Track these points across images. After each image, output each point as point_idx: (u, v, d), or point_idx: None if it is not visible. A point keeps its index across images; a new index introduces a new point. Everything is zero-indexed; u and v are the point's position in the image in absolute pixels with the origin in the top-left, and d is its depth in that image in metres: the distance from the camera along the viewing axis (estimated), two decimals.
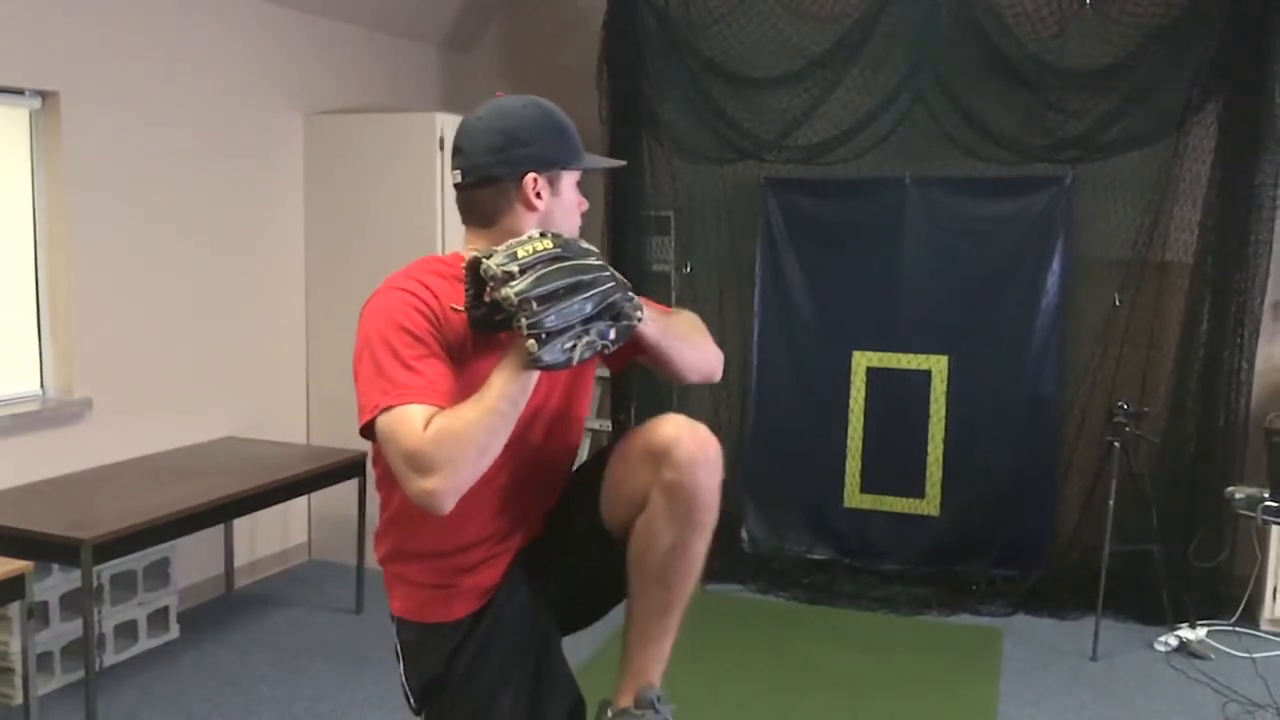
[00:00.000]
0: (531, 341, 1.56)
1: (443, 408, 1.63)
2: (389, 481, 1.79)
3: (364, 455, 4.50)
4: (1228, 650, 4.27)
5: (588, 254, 1.66)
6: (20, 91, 3.84)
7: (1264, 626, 4.48)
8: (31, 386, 4.02)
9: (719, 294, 5.39)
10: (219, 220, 4.63)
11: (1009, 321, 4.93)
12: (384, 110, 5.29)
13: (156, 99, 4.28)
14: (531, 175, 1.73)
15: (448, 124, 4.88)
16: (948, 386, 5.01)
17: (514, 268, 1.57)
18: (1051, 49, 4.73)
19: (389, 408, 1.63)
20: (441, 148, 4.82)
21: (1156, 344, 4.80)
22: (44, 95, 3.91)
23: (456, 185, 1.75)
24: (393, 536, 1.92)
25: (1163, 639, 4.34)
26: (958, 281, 4.97)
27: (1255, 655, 4.17)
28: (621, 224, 5.27)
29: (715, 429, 1.82)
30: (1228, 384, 4.52)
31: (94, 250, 4.07)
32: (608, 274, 1.65)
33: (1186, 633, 4.32)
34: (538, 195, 1.75)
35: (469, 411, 1.61)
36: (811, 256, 5.19)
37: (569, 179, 1.80)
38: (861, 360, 5.13)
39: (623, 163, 2.23)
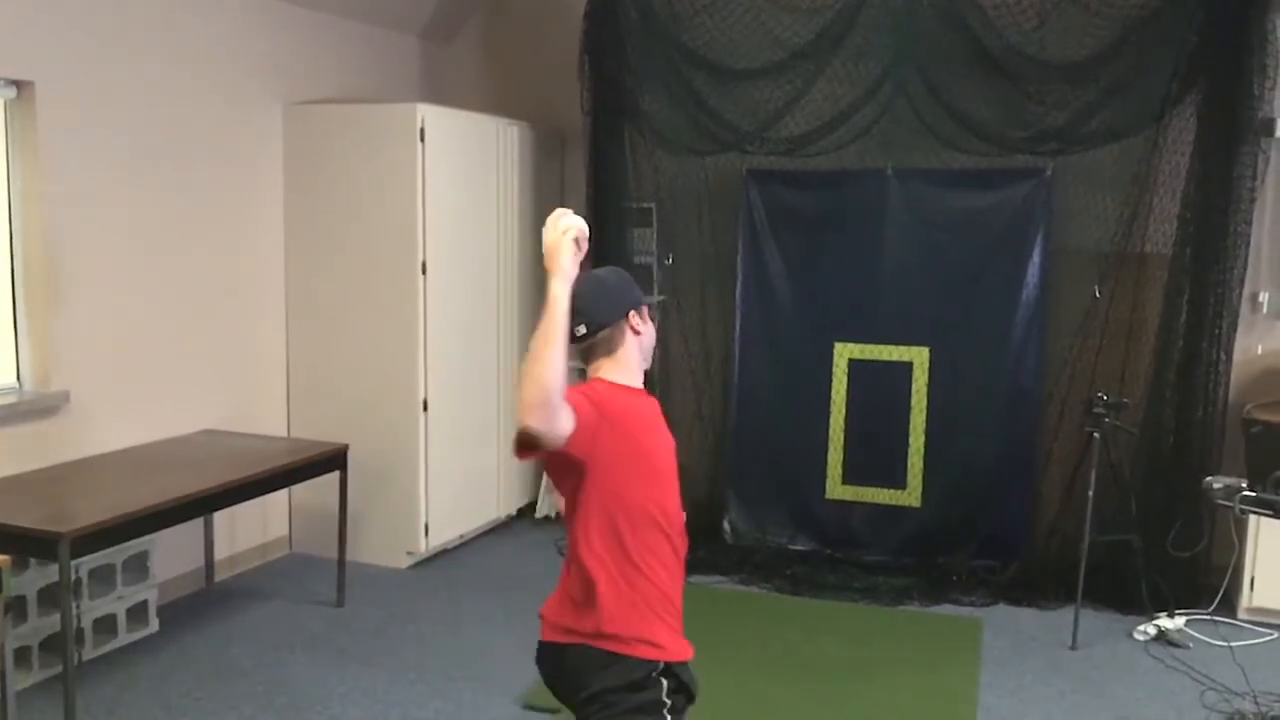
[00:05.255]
0: None
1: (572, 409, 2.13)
2: (632, 563, 2.24)
3: (345, 448, 4.49)
4: (1206, 639, 4.31)
5: None
6: None
7: (1241, 615, 4.52)
8: (8, 379, 3.99)
9: (701, 286, 5.39)
10: (198, 211, 4.59)
11: (990, 313, 4.95)
12: (364, 101, 5.25)
13: (134, 88, 4.24)
14: (633, 312, 2.40)
15: (428, 115, 4.85)
16: (929, 378, 5.03)
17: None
18: (1032, 41, 4.74)
19: None
20: (422, 139, 4.80)
21: (1136, 335, 4.83)
22: (19, 85, 3.87)
23: (583, 336, 2.32)
24: (638, 607, 2.27)
25: (1141, 628, 4.37)
26: (939, 273, 4.99)
27: (1233, 644, 4.21)
28: (603, 216, 5.24)
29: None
30: (1206, 375, 4.55)
31: (71, 241, 4.04)
32: None
33: (1165, 622, 4.35)
34: (638, 324, 2.40)
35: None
36: (794, 248, 5.19)
37: (645, 310, 2.45)
38: (843, 352, 5.14)
39: (661, 298, 2.67)
